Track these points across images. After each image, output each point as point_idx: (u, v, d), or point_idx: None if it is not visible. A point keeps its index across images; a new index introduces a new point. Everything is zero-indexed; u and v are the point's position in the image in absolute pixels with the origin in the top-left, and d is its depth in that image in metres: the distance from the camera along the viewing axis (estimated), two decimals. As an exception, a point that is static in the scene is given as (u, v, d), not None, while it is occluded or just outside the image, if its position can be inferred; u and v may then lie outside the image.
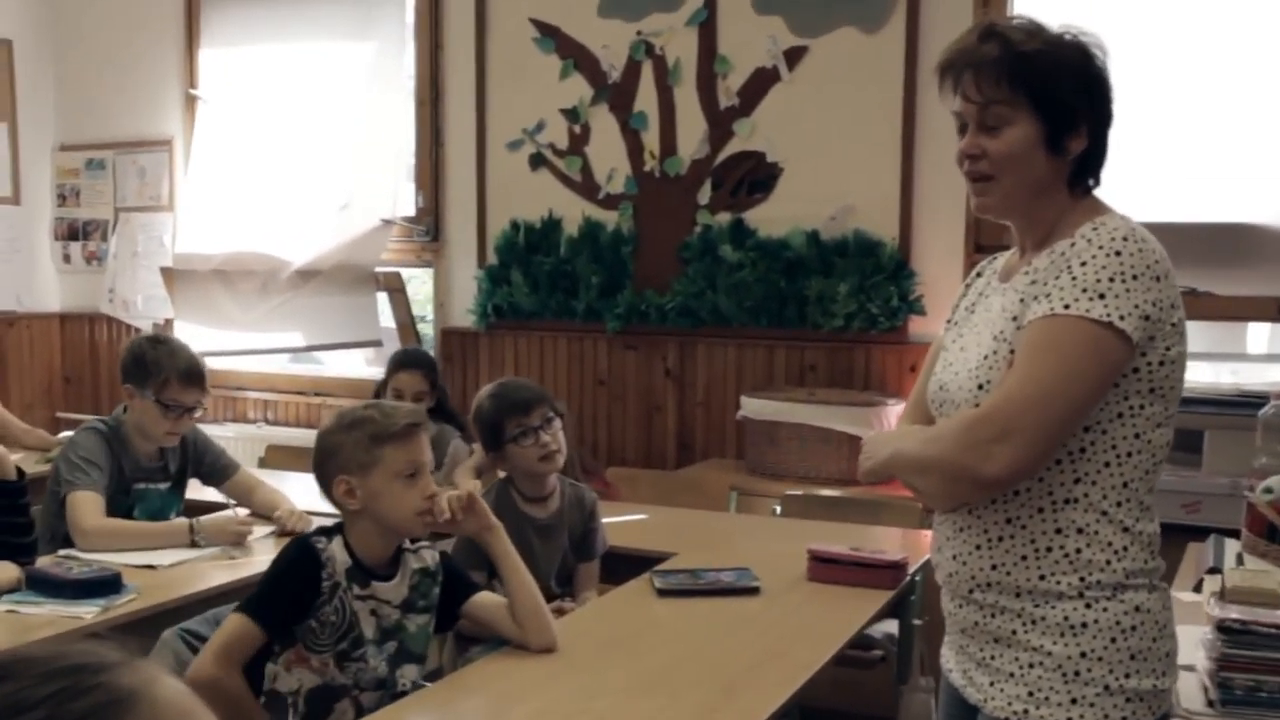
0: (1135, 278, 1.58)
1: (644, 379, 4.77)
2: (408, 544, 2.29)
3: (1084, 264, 1.60)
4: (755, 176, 4.55)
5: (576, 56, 4.82)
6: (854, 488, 3.83)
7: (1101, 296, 1.57)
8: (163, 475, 3.37)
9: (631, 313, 4.72)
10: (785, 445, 4.13)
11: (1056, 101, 1.66)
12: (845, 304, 4.36)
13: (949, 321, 1.90)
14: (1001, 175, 1.69)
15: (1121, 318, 1.58)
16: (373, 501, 2.17)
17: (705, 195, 4.63)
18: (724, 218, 4.60)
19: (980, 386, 1.69)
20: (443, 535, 2.45)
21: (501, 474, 3.02)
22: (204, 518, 3.20)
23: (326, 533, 2.23)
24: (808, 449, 4.08)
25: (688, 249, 4.64)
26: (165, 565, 2.96)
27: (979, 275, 1.91)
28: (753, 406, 4.23)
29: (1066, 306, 1.58)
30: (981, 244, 4.15)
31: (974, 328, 1.80)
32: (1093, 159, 1.70)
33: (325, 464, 2.19)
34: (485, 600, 2.33)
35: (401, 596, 2.24)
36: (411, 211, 5.22)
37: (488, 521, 2.29)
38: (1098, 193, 1.75)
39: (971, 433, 1.61)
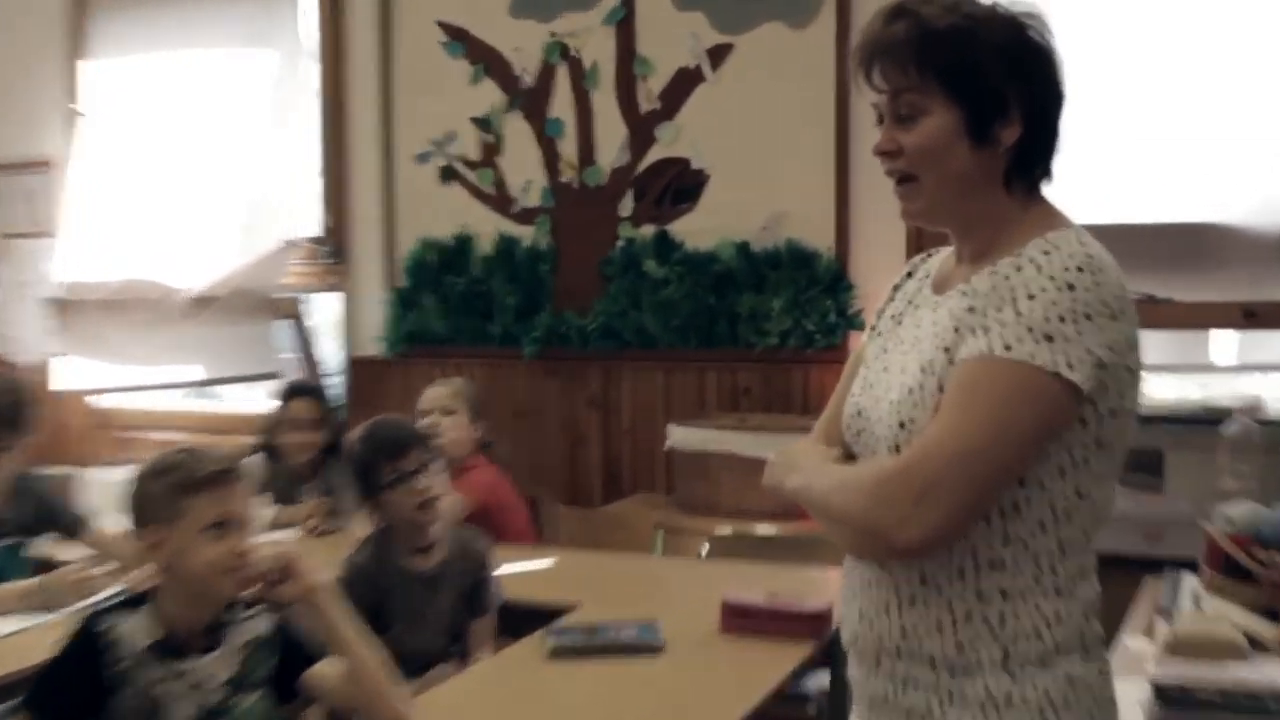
0: (1089, 317, 1.46)
1: (566, 407, 4.65)
2: (237, 612, 2.10)
3: (1031, 297, 1.47)
4: (680, 185, 4.46)
5: (487, 61, 4.72)
6: (790, 523, 3.63)
7: (1049, 339, 1.45)
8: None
9: (551, 336, 4.61)
10: (717, 477, 3.99)
11: (976, 83, 1.54)
12: (780, 321, 4.26)
13: (872, 329, 1.78)
14: (922, 173, 1.57)
15: (1070, 365, 1.44)
16: (178, 558, 1.99)
17: (627, 207, 4.53)
18: (648, 230, 4.49)
19: (902, 424, 1.56)
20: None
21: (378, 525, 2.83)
22: (48, 575, 2.95)
23: (127, 604, 2.04)
24: (741, 481, 3.92)
25: (609, 265, 4.53)
26: (1, 635, 2.72)
27: (909, 275, 1.78)
28: (680, 436, 4.09)
29: (1008, 348, 1.46)
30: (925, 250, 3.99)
31: (900, 345, 1.67)
32: (1034, 150, 1.58)
33: (133, 514, 2.03)
34: (327, 671, 2.11)
35: (230, 671, 2.05)
36: (316, 231, 5.09)
37: (309, 583, 2.07)
38: (1050, 194, 1.64)
39: (886, 488, 1.47)
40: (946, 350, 1.54)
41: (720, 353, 4.37)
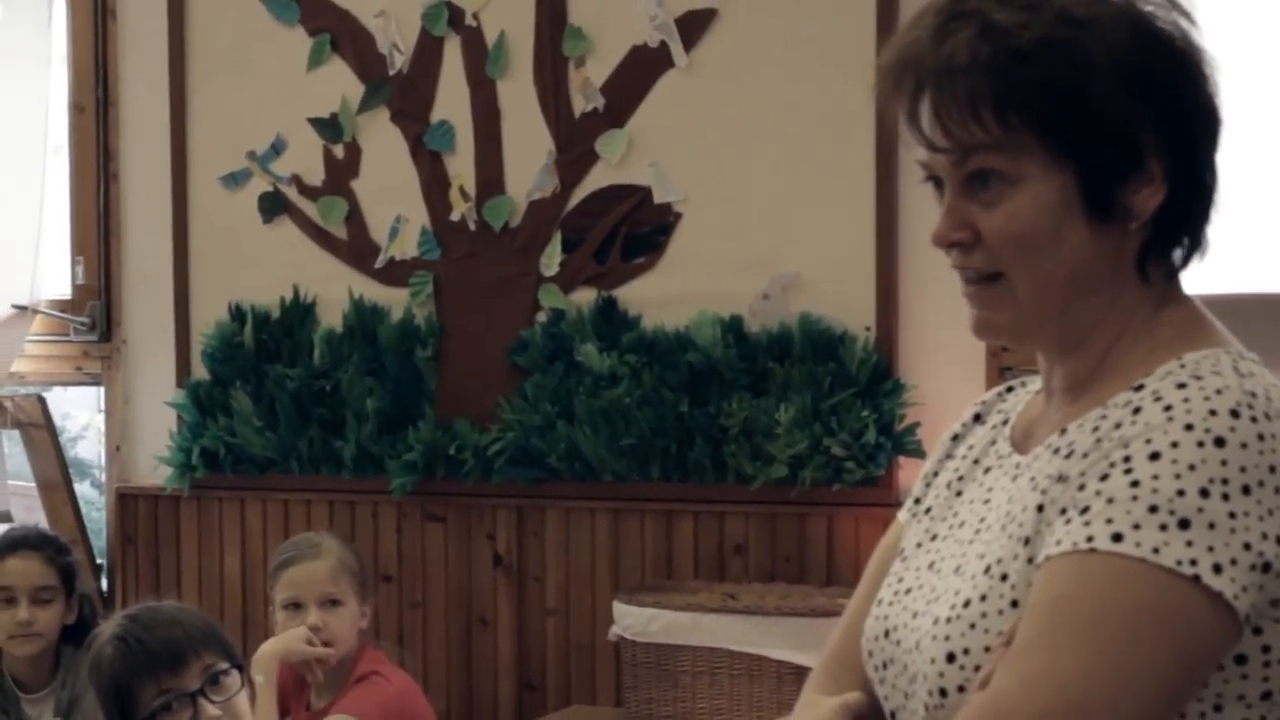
0: (1247, 490, 1.47)
1: (458, 572, 4.67)
2: None
3: (1156, 457, 1.49)
4: (635, 229, 4.50)
5: (336, 30, 4.77)
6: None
7: (1184, 525, 1.46)
8: None
9: (433, 460, 4.62)
10: (688, 683, 4.03)
11: (1093, 128, 1.58)
12: (790, 441, 4.27)
13: (916, 501, 1.86)
14: (1014, 270, 1.62)
15: (1217, 568, 1.45)
16: None
17: (553, 261, 4.56)
18: (584, 297, 4.53)
19: (952, 657, 1.59)
20: None
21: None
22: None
23: None
24: (726, 689, 3.99)
25: (525, 351, 4.56)
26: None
27: (977, 419, 1.86)
28: (633, 619, 4.10)
29: (1117, 538, 1.48)
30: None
31: (956, 529, 1.73)
32: (1182, 217, 1.63)
33: None
34: None
35: None
36: (65, 293, 5.17)
37: None
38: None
39: None
40: (1026, 542, 1.56)
41: (698, 489, 4.39)
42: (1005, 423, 1.77)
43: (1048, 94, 1.56)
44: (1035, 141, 1.57)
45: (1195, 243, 1.64)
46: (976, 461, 1.77)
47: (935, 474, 1.84)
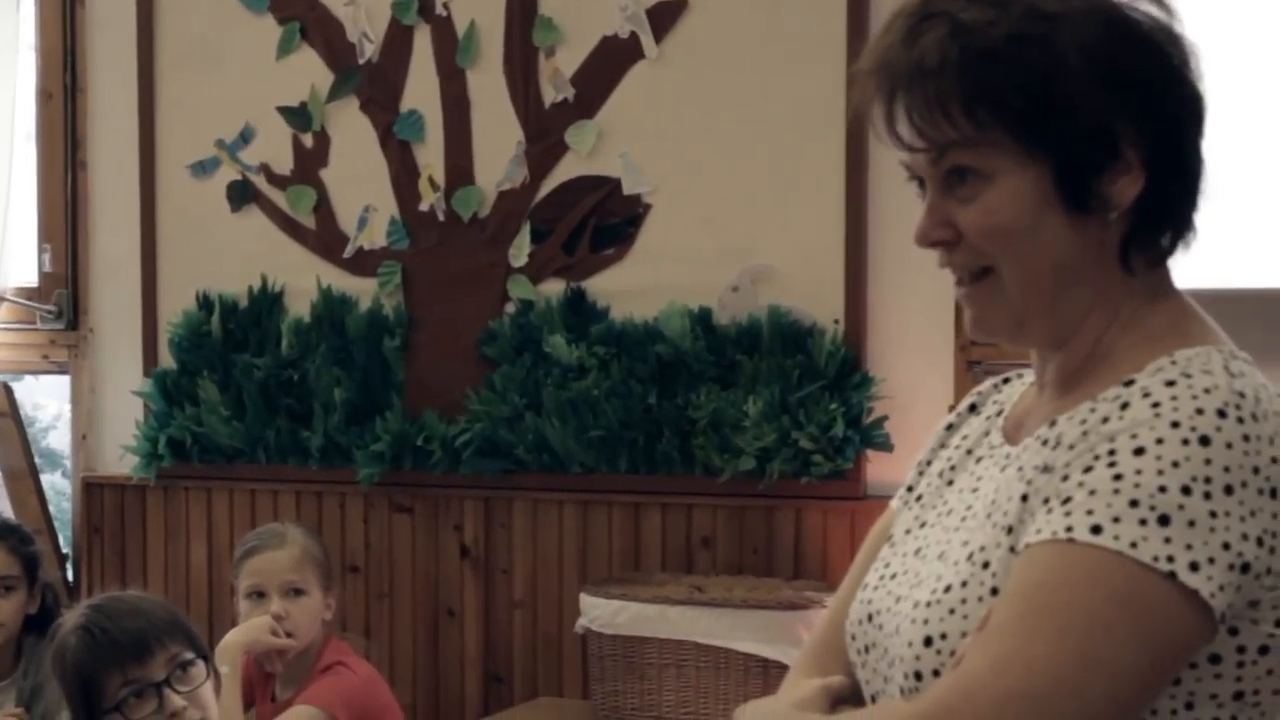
0: (1229, 490, 1.48)
1: (425, 563, 4.66)
2: None
3: (1140, 452, 1.50)
4: (604, 220, 4.50)
5: (305, 19, 4.76)
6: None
7: (1164, 521, 1.47)
8: None
9: (401, 450, 4.62)
10: (655, 675, 4.03)
11: (1065, 121, 1.59)
12: (759, 433, 4.27)
13: (908, 489, 1.88)
14: (1000, 263, 1.63)
15: (1194, 566, 1.45)
16: None
17: (522, 251, 4.56)
18: (553, 288, 4.53)
19: (929, 641, 1.60)
20: None
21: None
22: None
23: None
24: (692, 682, 3.98)
25: (493, 342, 4.56)
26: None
27: (972, 409, 1.88)
28: (600, 611, 4.10)
29: (1096, 530, 1.48)
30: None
31: (944, 517, 1.74)
32: (1165, 203, 1.63)
33: None
34: None
35: None
36: (32, 280, 5.15)
37: None
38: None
39: None
40: (1009, 531, 1.57)
41: (666, 481, 4.39)
42: (999, 414, 1.79)
43: (1016, 90, 1.57)
44: (1007, 137, 1.58)
45: (1181, 231, 1.65)
46: (969, 452, 1.78)
47: (929, 462, 1.86)
